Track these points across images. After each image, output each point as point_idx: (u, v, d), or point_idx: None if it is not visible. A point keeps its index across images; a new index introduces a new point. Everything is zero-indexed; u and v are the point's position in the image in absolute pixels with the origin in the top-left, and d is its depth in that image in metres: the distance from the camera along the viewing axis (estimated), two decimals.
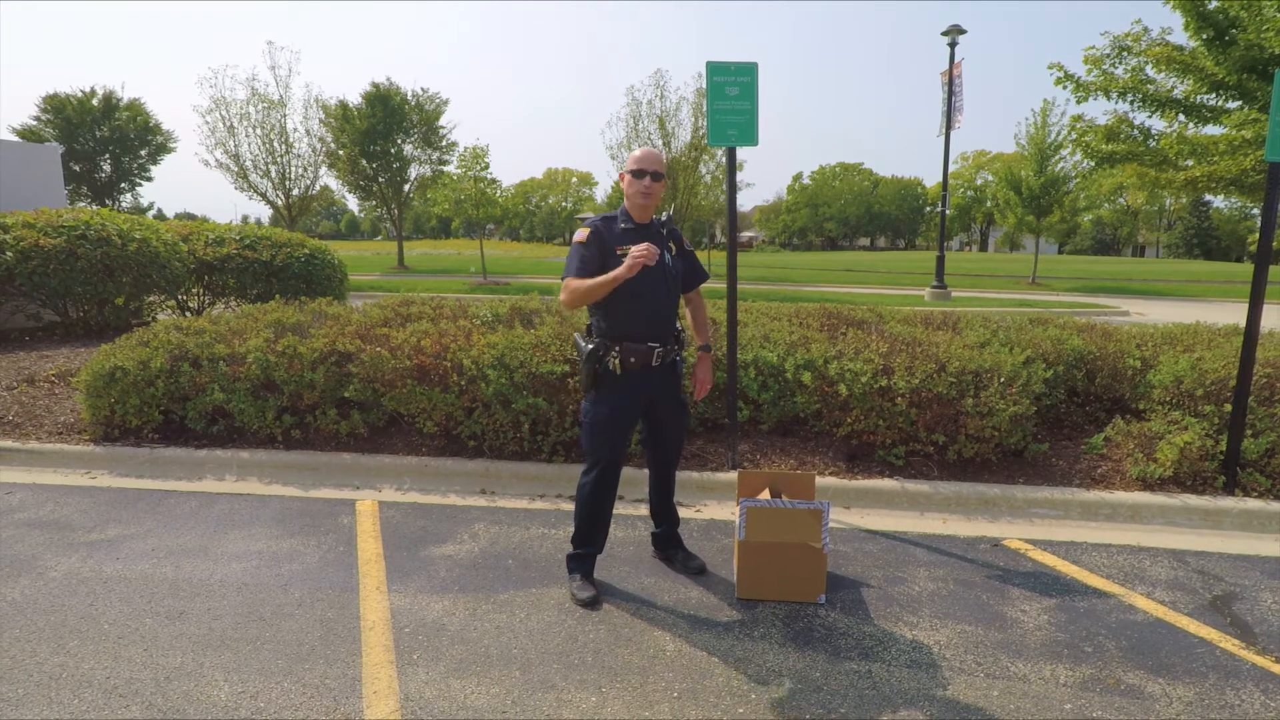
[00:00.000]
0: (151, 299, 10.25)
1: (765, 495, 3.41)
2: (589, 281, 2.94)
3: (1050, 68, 9.11)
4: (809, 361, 4.76)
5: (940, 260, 19.21)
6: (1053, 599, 3.23)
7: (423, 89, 27.41)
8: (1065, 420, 5.24)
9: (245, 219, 25.67)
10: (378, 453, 4.96)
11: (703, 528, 4.03)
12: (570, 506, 4.33)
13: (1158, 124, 9.12)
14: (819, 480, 4.45)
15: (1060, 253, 72.83)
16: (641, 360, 3.06)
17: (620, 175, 3.13)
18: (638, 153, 3.10)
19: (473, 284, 20.73)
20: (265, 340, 5.15)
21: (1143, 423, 4.71)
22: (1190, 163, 8.90)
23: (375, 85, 26.79)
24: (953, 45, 18.33)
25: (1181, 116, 8.85)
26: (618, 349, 3.02)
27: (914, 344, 4.92)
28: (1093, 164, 9.22)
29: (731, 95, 4.19)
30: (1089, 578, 3.45)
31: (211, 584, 3.32)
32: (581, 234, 3.03)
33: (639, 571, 3.48)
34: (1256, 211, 71.64)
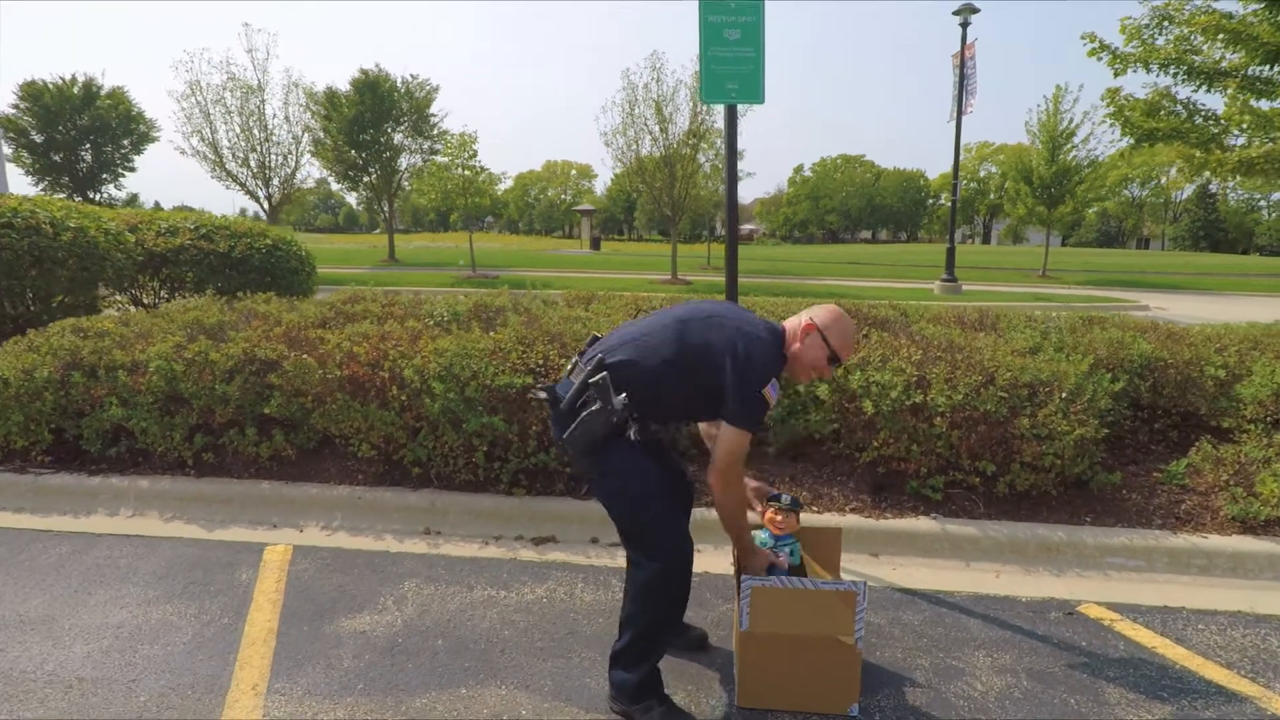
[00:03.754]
0: (104, 294, 9.43)
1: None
2: (743, 511, 2.40)
3: (1083, 38, 8.22)
4: None
5: (950, 252, 18.35)
6: (1165, 703, 2.39)
7: (412, 75, 26.48)
8: (1127, 439, 4.40)
9: (243, 211, 24.81)
10: (306, 480, 4.12)
11: (693, 586, 3.17)
12: (533, 556, 3.49)
13: (1204, 99, 8.23)
14: (839, 519, 3.61)
15: (1064, 245, 71.76)
16: (649, 440, 2.37)
17: (807, 328, 2.35)
18: (844, 338, 2.38)
19: (461, 277, 19.87)
20: (174, 345, 4.30)
21: (1235, 446, 3.87)
22: (1241, 141, 8.04)
23: (364, 72, 25.83)
24: (964, 25, 17.40)
25: (1229, 90, 7.97)
26: (636, 415, 2.27)
27: (952, 349, 4.07)
28: (1132, 141, 8.35)
29: (731, 40, 3.33)
30: (1204, 666, 2.61)
31: (35, 679, 2.48)
32: (774, 394, 2.26)
33: None
34: (1265, 204, 70.76)
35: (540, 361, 3.88)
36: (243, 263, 9.63)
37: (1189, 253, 61.28)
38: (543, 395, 2.44)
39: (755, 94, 3.37)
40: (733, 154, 3.58)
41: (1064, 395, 3.65)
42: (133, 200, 39.46)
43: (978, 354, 3.95)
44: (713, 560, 3.42)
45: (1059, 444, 3.54)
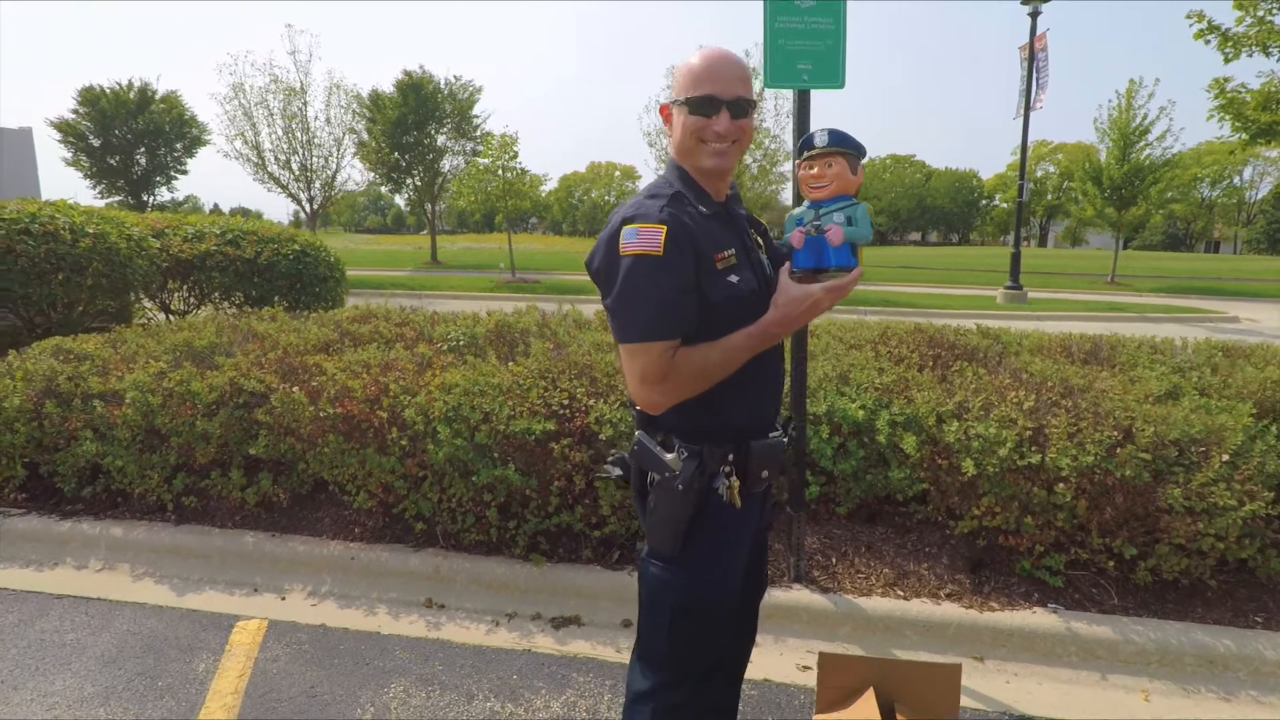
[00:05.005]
0: (138, 301, 9.19)
1: (866, 710, 1.86)
2: (713, 349, 1.47)
3: (1189, 17, 7.26)
4: (913, 419, 3.19)
5: (1015, 258, 17.18)
6: None
7: (455, 77, 26.27)
8: None
9: (297, 215, 24.74)
10: (296, 531, 3.57)
11: (749, 700, 2.49)
12: (552, 646, 2.85)
13: None
14: (933, 608, 2.89)
15: (1127, 248, 68.43)
16: (773, 466, 1.61)
17: (662, 112, 1.61)
18: (697, 62, 1.53)
19: (500, 281, 19.46)
20: (155, 373, 3.79)
21: None
22: None
23: (407, 73, 25.72)
24: (1034, 15, 16.28)
25: None
26: (732, 456, 1.54)
27: (1071, 393, 3.30)
28: (1245, 137, 7.37)
29: (804, 7, 2.64)
30: None
31: None
32: (651, 237, 1.43)
33: None
34: None
35: (565, 402, 3.24)
36: (269, 269, 9.29)
37: (1265, 256, 57.92)
38: (617, 473, 1.71)
39: (834, 76, 2.67)
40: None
41: (1225, 458, 2.86)
42: (185, 202, 40.35)
43: (1106, 400, 3.18)
44: (771, 661, 2.73)
45: (1222, 521, 2.75)
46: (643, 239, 1.43)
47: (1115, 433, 2.92)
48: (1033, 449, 2.92)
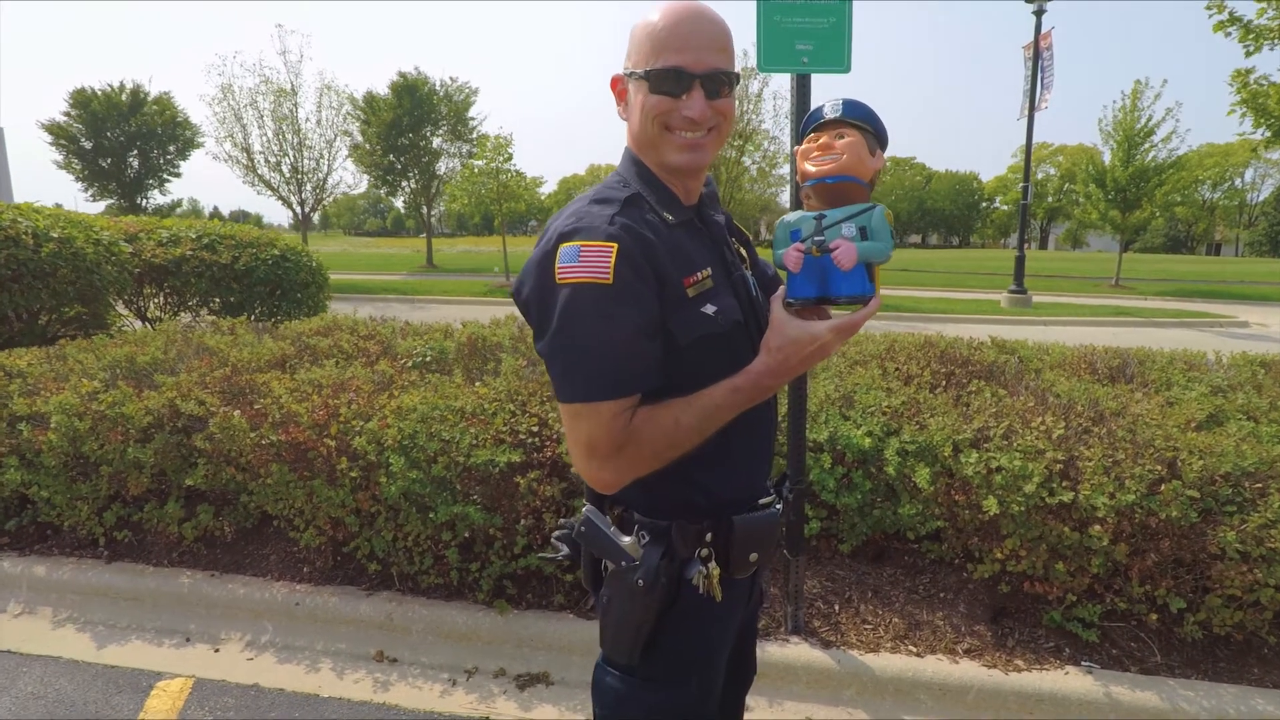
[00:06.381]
0: (113, 308, 8.86)
1: None
2: (686, 409, 1.11)
3: (1209, 8, 6.91)
4: (926, 448, 2.83)
5: (1019, 261, 16.80)
6: None
7: (451, 78, 25.95)
8: None
9: (297, 218, 24.21)
10: (238, 571, 3.22)
11: None
12: (515, 712, 2.49)
13: None
14: (949, 667, 2.53)
15: (1127, 250, 67.94)
16: (765, 547, 1.24)
17: (614, 86, 1.24)
18: (659, 21, 1.14)
19: (494, 285, 19.11)
20: (86, 393, 3.43)
21: None
22: None
23: (402, 75, 25.39)
24: (1039, 13, 15.94)
25: None
26: (709, 538, 1.19)
27: (1102, 418, 2.94)
28: (1268, 133, 7.03)
29: None
30: None
31: None
32: (597, 258, 1.06)
33: None
34: None
35: (534, 429, 2.88)
36: (247, 274, 8.96)
37: (1267, 259, 57.63)
38: (564, 552, 1.35)
39: (838, 58, 2.31)
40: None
41: None
42: (179, 205, 39.98)
43: (1144, 427, 2.82)
44: None
45: None
46: (586, 262, 1.05)
47: (1158, 466, 2.56)
48: (1063, 485, 2.56)
